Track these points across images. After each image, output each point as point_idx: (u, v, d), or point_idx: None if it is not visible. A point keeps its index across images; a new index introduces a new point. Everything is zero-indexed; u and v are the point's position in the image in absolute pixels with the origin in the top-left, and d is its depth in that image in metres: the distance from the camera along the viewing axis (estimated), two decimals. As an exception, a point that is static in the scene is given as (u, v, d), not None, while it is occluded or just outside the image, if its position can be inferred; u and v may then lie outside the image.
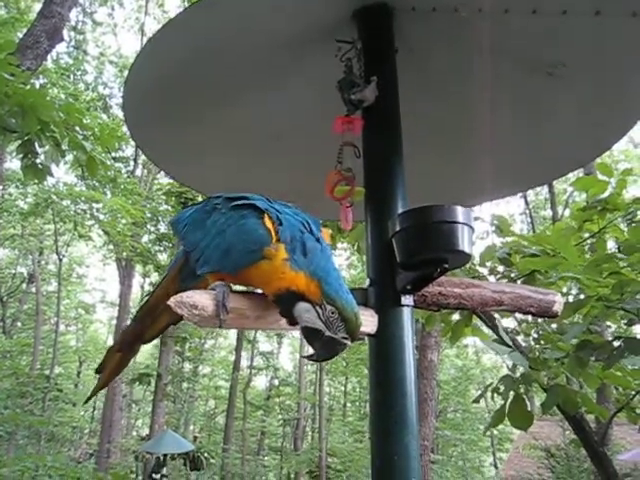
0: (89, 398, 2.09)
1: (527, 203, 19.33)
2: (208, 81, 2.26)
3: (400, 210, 1.76)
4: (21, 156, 4.89)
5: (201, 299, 1.25)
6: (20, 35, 6.30)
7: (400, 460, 1.55)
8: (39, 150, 4.88)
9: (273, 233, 1.31)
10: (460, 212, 1.51)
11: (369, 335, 1.60)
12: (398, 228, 1.58)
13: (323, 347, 1.28)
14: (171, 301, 1.25)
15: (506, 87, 2.30)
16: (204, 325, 1.29)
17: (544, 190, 19.89)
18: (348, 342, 1.28)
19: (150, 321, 1.66)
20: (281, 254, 1.29)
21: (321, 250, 1.34)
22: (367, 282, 1.77)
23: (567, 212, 16.63)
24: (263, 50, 2.15)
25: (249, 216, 1.35)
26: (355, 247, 6.09)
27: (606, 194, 3.67)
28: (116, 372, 1.76)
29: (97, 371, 1.74)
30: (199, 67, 2.19)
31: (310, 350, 1.34)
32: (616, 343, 3.10)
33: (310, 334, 1.28)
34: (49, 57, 11.16)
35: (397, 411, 1.58)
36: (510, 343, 4.03)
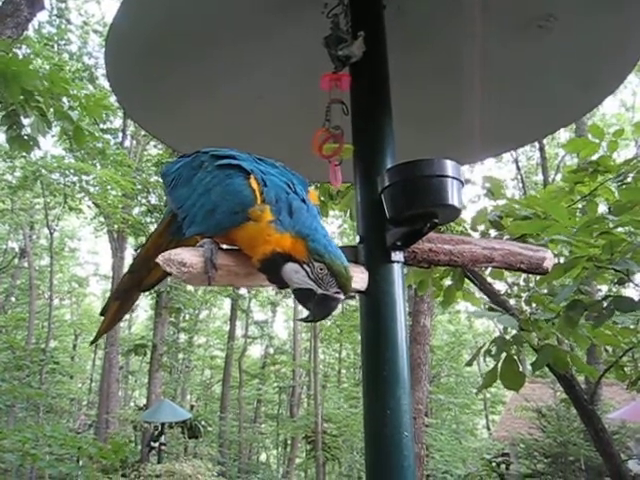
0: (94, 341, 2.16)
1: (519, 168, 19.32)
2: (191, 37, 2.21)
3: (389, 166, 1.74)
4: (6, 127, 4.82)
5: (189, 256, 1.25)
6: (-1, 3, 6.11)
7: (393, 414, 1.57)
8: (25, 122, 4.80)
9: (258, 194, 1.30)
10: (449, 166, 1.50)
11: (360, 292, 1.60)
12: (387, 183, 1.56)
13: (317, 306, 1.27)
14: (159, 259, 1.24)
15: (495, 44, 2.27)
16: (193, 283, 1.29)
17: (536, 155, 19.90)
18: (341, 296, 1.27)
19: (146, 272, 1.67)
20: (266, 215, 1.28)
21: (307, 210, 1.33)
22: (357, 239, 1.76)
23: (559, 177, 16.65)
24: (249, 8, 2.11)
25: (235, 176, 1.33)
26: (347, 214, 6.09)
27: (597, 156, 3.67)
28: (116, 318, 1.80)
29: (101, 313, 1.78)
30: (181, 22, 2.14)
31: (304, 313, 1.32)
32: (605, 303, 3.14)
33: (302, 295, 1.27)
34: (31, 26, 10.88)
35: (388, 366, 1.59)
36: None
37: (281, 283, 1.30)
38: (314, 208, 1.37)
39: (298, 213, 1.30)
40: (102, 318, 1.78)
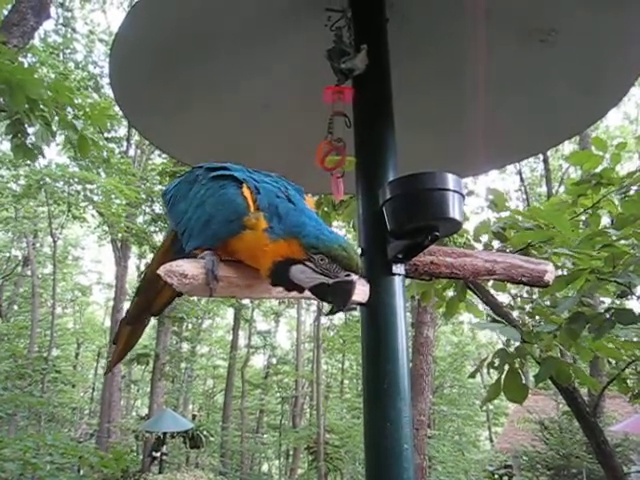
0: (108, 371, 2.14)
1: (522, 180, 19.33)
2: (196, 46, 2.23)
3: (391, 178, 1.75)
4: (11, 136, 4.84)
5: (191, 268, 1.25)
6: (5, 12, 6.15)
7: (393, 426, 1.56)
8: (29, 130, 4.83)
9: (251, 202, 1.30)
10: (450, 179, 1.50)
11: (361, 304, 1.60)
12: (388, 196, 1.57)
13: (335, 296, 1.26)
14: (160, 270, 1.23)
15: (498, 56, 2.28)
16: (195, 294, 1.28)
17: (539, 167, 19.93)
18: (353, 277, 1.25)
19: (154, 294, 1.65)
20: (261, 224, 1.28)
21: (294, 208, 1.32)
22: (359, 251, 1.76)
23: (562, 189, 16.64)
24: (253, 19, 2.12)
25: (228, 186, 1.34)
26: (351, 224, 6.09)
27: (600, 168, 3.67)
28: (129, 345, 1.77)
29: (113, 342, 1.78)
30: (187, 31, 2.16)
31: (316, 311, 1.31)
32: (607, 315, 3.12)
33: (319, 291, 1.26)
34: (37, 35, 10.96)
35: (389, 378, 1.59)
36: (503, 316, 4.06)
37: (298, 289, 1.29)
38: (302, 203, 1.36)
39: (286, 214, 1.30)
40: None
